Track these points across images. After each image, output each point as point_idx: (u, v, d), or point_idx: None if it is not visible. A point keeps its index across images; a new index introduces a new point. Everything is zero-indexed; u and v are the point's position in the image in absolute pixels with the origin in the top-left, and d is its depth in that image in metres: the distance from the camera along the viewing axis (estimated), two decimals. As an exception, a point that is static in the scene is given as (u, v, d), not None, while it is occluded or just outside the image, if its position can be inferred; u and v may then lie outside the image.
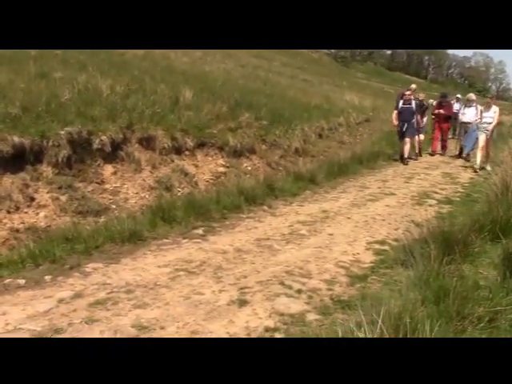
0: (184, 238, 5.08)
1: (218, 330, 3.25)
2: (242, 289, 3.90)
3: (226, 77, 15.36)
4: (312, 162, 10.09)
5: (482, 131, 11.05)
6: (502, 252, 4.31)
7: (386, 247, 5.10)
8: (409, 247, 4.53)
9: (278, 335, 3.19)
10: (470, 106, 12.57)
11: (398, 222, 6.07)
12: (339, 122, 14.49)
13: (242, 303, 3.65)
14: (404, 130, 11.32)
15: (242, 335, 3.19)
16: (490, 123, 11.02)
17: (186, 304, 3.59)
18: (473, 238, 4.60)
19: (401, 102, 11.47)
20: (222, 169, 8.31)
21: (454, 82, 66.11)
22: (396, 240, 5.25)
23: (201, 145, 8.27)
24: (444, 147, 13.62)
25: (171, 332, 3.18)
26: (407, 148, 11.52)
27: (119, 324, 3.24)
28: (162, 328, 3.23)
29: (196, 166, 7.91)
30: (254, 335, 3.20)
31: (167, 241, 4.99)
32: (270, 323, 3.37)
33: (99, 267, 4.23)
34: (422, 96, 13.02)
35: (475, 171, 10.66)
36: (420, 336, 2.83)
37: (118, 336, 3.10)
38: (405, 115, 11.36)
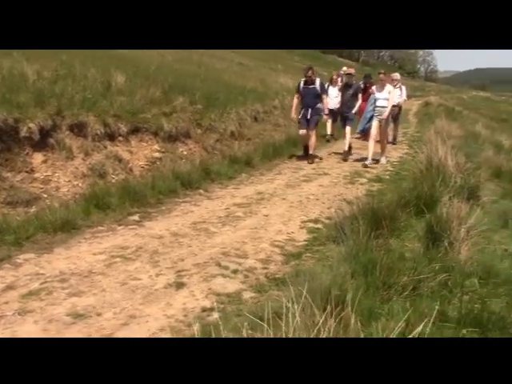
0: (119, 225, 5.04)
1: (155, 313, 3.28)
2: (178, 272, 3.94)
3: (159, 60, 15.10)
4: (248, 145, 10.18)
5: (375, 117, 9.28)
6: (425, 225, 4.59)
7: (320, 225, 5.28)
8: (340, 224, 4.72)
9: (215, 314, 3.26)
10: (395, 87, 11.85)
11: (330, 201, 6.28)
12: (274, 104, 14.65)
13: (179, 286, 3.70)
14: (309, 117, 9.18)
15: (180, 316, 3.25)
16: (385, 107, 9.19)
17: (122, 290, 3.60)
18: (399, 213, 4.86)
19: (302, 82, 9.40)
20: (157, 154, 8.23)
21: (384, 65, 68.03)
22: (329, 218, 5.44)
23: (135, 130, 8.14)
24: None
25: (108, 318, 3.19)
26: (313, 140, 9.36)
27: (54, 313, 3.20)
28: (99, 314, 3.22)
29: (130, 152, 7.79)
30: (191, 316, 3.26)
31: (102, 228, 4.92)
32: (207, 303, 3.44)
33: (31, 258, 4.12)
34: (351, 70, 10.97)
35: (365, 166, 8.87)
36: (346, 306, 2.99)
37: (54, 325, 3.07)
38: (308, 99, 9.24)
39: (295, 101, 9.59)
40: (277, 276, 3.95)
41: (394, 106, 11.96)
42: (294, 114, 9.68)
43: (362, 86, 12.10)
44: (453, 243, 4.08)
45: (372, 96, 9.42)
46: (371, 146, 9.18)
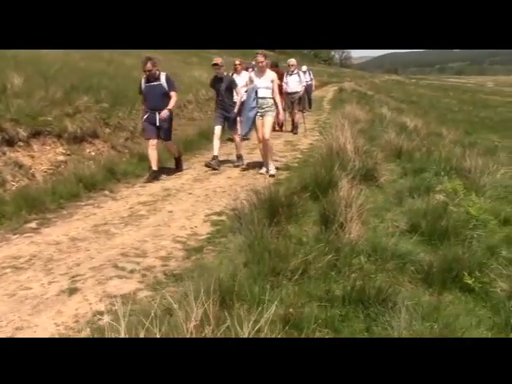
0: (14, 234, 4.83)
1: (44, 322, 3.19)
2: (73, 277, 3.84)
3: (64, 59, 14.53)
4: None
5: (263, 111, 7.40)
6: (320, 209, 4.75)
7: (224, 217, 5.33)
8: (241, 215, 4.79)
9: (106, 317, 3.22)
10: (292, 74, 11.84)
11: (237, 193, 6.34)
12: (188, 99, 14.53)
13: (72, 291, 3.61)
14: (158, 123, 7.18)
15: (70, 323, 3.18)
16: (267, 98, 7.35)
17: (10, 301, 3.46)
18: (296, 200, 4.99)
19: (143, 79, 7.33)
20: (61, 157, 7.95)
21: (300, 53, 69.19)
22: (234, 209, 5.49)
23: (36, 134, 7.82)
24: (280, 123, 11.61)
25: (-8, 332, 3.06)
26: (174, 151, 7.68)
27: None
28: (-18, 330, 3.09)
29: (32, 157, 7.48)
30: (82, 321, 3.20)
31: (-6, 239, 4.71)
32: (101, 307, 3.39)
33: None
34: (218, 59, 8.23)
35: (271, 175, 7.34)
36: (236, 295, 3.06)
37: None
38: (153, 100, 7.22)
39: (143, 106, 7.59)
40: (175, 272, 3.95)
41: (290, 93, 11.87)
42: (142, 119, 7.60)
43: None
44: (343, 224, 4.25)
45: (251, 86, 7.55)
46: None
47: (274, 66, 12.05)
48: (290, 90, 11.82)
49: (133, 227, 5.05)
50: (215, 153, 8.02)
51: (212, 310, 2.65)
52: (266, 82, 7.38)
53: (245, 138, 7.90)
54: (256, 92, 7.40)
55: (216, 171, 7.72)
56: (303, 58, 44.36)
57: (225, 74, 8.35)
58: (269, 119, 7.41)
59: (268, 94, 7.37)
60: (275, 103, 7.42)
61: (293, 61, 12.17)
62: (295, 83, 11.76)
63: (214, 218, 5.34)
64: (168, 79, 7.31)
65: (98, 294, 3.58)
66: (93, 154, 8.62)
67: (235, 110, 8.14)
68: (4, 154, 7.10)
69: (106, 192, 6.46)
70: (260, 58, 7.35)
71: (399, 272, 3.86)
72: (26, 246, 4.51)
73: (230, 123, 8.27)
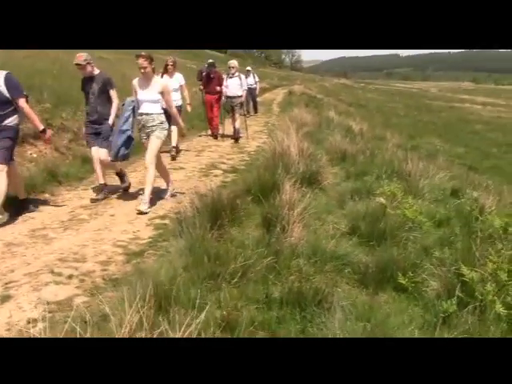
0: None
1: (-27, 332, 3.08)
2: (6, 284, 3.73)
3: (7, 56, 14.05)
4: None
5: (149, 131, 5.83)
6: (262, 212, 4.81)
7: (167, 221, 5.29)
8: (184, 218, 4.77)
9: (40, 325, 3.14)
10: (233, 76, 10.95)
11: (182, 196, 6.31)
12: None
13: (5, 299, 3.50)
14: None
15: (2, 332, 3.08)
16: (153, 115, 5.77)
17: None
18: (239, 203, 5.02)
19: None
20: (0, 159, 7.68)
21: (252, 56, 69.61)
22: (177, 213, 5.45)
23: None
24: (216, 126, 11.77)
25: None
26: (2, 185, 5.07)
27: None
28: None
29: (-32, 159, 7.19)
30: (14, 330, 3.10)
31: None
32: (35, 314, 3.30)
33: None
34: (80, 56, 5.95)
35: (140, 212, 5.52)
36: (174, 299, 3.06)
37: None
38: None
39: None
40: (114, 277, 3.90)
41: (230, 97, 11.01)
42: None
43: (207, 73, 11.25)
44: (285, 227, 4.31)
45: (128, 100, 5.94)
46: (149, 179, 5.79)
47: (212, 67, 11.57)
48: (230, 94, 11.02)
49: (72, 231, 4.95)
50: (101, 181, 6.27)
51: (147, 315, 2.63)
52: (151, 95, 5.72)
53: (114, 160, 6.17)
54: (134, 109, 5.83)
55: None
56: (255, 60, 44.69)
57: (97, 71, 6.18)
58: (153, 140, 5.75)
59: (154, 109, 5.75)
60: (169, 119, 6.06)
61: (233, 62, 11.25)
62: (236, 86, 11.00)
63: (157, 221, 5.30)
64: (8, 81, 5.03)
65: (32, 301, 3.48)
66: (34, 155, 8.36)
67: (110, 121, 6.12)
68: None
69: (47, 195, 6.28)
70: (143, 62, 5.53)
71: (337, 273, 3.95)
72: (-43, 253, 4.33)
73: (101, 138, 6.10)
